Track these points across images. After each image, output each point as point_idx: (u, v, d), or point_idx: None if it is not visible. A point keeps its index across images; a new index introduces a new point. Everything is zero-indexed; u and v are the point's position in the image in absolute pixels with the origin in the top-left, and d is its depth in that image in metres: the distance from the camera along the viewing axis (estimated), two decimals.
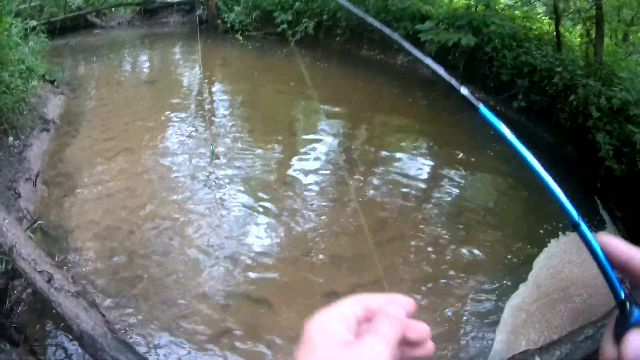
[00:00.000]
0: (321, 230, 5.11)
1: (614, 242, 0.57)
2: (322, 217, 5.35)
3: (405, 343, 0.55)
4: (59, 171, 5.78)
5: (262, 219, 5.18)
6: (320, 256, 4.70)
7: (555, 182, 0.65)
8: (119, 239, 4.62)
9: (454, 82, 0.71)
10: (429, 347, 0.57)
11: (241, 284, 4.34)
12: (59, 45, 11.48)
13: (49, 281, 3.79)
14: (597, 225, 5.95)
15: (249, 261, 4.54)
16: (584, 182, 6.82)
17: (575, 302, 4.53)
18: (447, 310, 4.29)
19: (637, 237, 5.59)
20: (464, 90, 0.71)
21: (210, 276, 4.37)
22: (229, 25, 13.13)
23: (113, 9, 14.61)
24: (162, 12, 15.10)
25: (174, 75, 9.75)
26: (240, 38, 12.55)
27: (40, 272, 3.84)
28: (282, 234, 5.05)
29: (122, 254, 4.49)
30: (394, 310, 0.56)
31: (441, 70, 0.74)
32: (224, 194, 5.56)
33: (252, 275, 4.43)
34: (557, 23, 8.76)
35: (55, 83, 8.49)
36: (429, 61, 0.74)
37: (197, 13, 13.83)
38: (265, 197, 5.57)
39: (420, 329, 0.56)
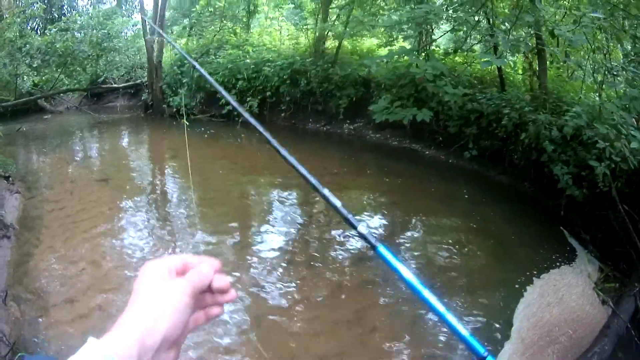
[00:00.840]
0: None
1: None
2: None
3: (213, 291, 0.71)
4: (26, 287, 5.42)
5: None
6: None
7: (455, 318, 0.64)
8: None
9: (351, 218, 0.77)
10: (232, 294, 0.74)
11: None
12: (11, 132, 11.30)
13: None
14: (568, 254, 5.80)
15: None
16: (546, 215, 6.77)
17: (561, 341, 4.30)
18: None
19: (611, 253, 5.56)
20: (362, 229, 0.73)
21: None
22: (174, 109, 13.09)
23: (61, 94, 14.68)
24: (108, 96, 15.31)
25: (125, 171, 9.50)
26: (187, 122, 12.34)
27: None
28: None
29: None
30: (204, 268, 0.71)
31: (338, 203, 0.81)
32: None
33: None
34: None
35: (10, 179, 8.17)
36: (325, 192, 0.84)
37: (143, 98, 14.15)
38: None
39: (223, 280, 0.72)
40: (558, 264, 5.64)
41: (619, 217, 5.43)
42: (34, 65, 12.88)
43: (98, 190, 8.08)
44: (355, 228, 0.72)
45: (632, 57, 6.99)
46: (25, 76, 13.49)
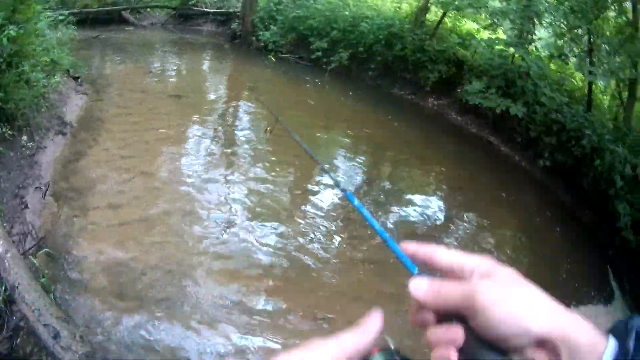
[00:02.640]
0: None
1: (413, 245, 0.65)
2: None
3: None
4: (71, 185, 5.29)
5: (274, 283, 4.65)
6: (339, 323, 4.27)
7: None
8: (130, 280, 4.19)
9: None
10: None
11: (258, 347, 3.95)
12: (88, 38, 11.29)
13: (55, 337, 3.32)
14: (606, 296, 5.93)
15: (266, 319, 4.12)
16: (597, 249, 6.83)
17: None
18: None
19: None
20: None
21: (224, 331, 3.97)
22: (262, 44, 13.12)
23: (148, 9, 14.58)
24: (197, 19, 15.03)
25: (201, 92, 9.45)
26: (273, 59, 12.51)
27: (45, 325, 3.36)
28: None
29: (132, 300, 4.04)
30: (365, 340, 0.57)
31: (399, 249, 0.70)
32: (241, 235, 5.13)
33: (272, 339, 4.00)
34: (591, 81, 8.71)
35: (79, 80, 8.11)
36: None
37: (232, 27, 14.00)
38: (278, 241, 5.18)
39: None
40: (595, 301, 5.77)
41: None
42: None
43: (169, 105, 8.03)
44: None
45: None
46: None
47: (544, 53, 10.13)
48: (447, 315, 0.57)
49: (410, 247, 0.64)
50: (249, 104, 9.30)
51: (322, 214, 5.84)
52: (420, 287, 0.59)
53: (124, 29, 13.20)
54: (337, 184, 1.03)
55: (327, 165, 6.41)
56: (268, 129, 6.90)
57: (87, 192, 5.23)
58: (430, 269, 0.62)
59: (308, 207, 5.94)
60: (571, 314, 0.55)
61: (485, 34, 11.30)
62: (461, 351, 0.55)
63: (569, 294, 5.66)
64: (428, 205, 6.91)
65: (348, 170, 7.31)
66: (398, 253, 0.65)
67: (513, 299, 0.55)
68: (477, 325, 0.54)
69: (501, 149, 9.66)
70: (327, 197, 6.22)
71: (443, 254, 0.61)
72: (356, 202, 0.84)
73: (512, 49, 9.70)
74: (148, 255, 4.48)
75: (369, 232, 5.35)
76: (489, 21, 10.74)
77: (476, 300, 0.54)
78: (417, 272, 0.62)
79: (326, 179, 6.53)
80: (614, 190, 6.91)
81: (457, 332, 0.55)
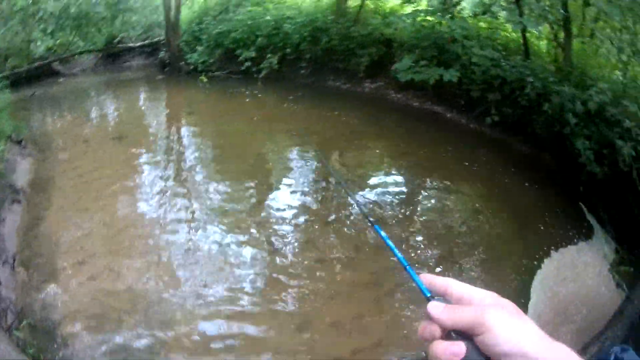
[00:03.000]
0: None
1: (430, 276, 0.76)
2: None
3: None
4: (36, 251, 5.35)
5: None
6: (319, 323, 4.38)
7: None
8: (110, 329, 4.27)
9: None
10: None
11: None
12: (25, 97, 11.18)
13: None
14: (585, 231, 5.93)
15: (243, 343, 4.16)
16: (565, 189, 6.84)
17: (576, 321, 4.53)
18: None
19: (627, 237, 5.69)
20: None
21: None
22: (192, 66, 12.95)
23: (75, 56, 14.43)
24: (124, 56, 14.96)
25: (141, 128, 9.46)
26: (205, 79, 12.33)
27: None
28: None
29: (117, 350, 4.11)
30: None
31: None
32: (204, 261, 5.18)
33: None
34: (524, 29, 8.72)
35: (23, 143, 8.05)
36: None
37: (160, 56, 13.89)
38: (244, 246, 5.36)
39: None
40: (575, 240, 5.77)
41: (638, 200, 5.50)
42: (48, 31, 12.69)
43: (112, 149, 8.00)
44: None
45: None
46: (39, 41, 13.26)
47: (470, 13, 10.18)
48: (451, 332, 0.68)
49: (428, 277, 0.76)
50: (191, 129, 9.37)
51: (285, 223, 5.88)
52: (437, 308, 0.70)
53: (56, 81, 13.08)
54: (365, 216, 1.10)
55: (282, 168, 6.28)
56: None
57: (53, 255, 5.24)
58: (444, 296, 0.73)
59: (271, 218, 6.00)
60: (561, 344, 0.64)
61: (408, 8, 11.27)
62: None
63: (549, 239, 5.72)
64: (390, 183, 7.01)
65: (302, 171, 7.27)
66: (416, 280, 0.76)
67: (515, 325, 0.65)
68: (482, 342, 0.65)
69: (447, 116, 9.71)
70: (284, 200, 6.37)
71: (456, 285, 0.73)
72: (383, 233, 0.92)
73: (433, 18, 9.69)
74: (121, 301, 4.53)
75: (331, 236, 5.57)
76: None
77: (485, 320, 0.64)
78: (429, 296, 0.74)
79: (283, 190, 6.66)
80: (569, 129, 6.87)
81: (460, 347, 0.66)
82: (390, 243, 0.89)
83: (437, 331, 0.70)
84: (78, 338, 4.13)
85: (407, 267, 0.82)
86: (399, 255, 0.85)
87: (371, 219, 1.00)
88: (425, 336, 0.71)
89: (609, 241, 5.74)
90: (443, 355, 0.66)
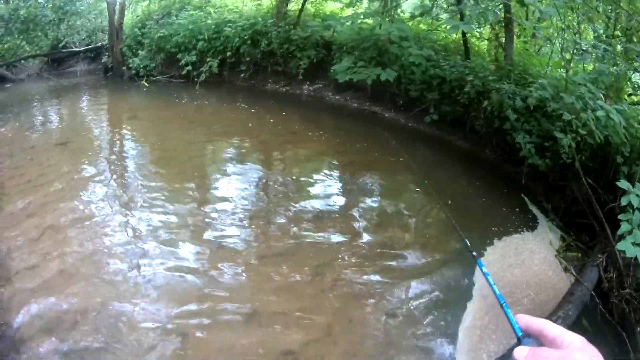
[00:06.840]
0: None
1: (526, 317, 0.83)
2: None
3: None
4: None
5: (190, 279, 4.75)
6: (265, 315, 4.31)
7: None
8: (66, 330, 4.18)
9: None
10: None
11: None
12: None
13: None
14: (529, 222, 5.96)
15: (199, 334, 4.10)
16: (507, 182, 6.94)
17: (524, 303, 4.49)
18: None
19: (571, 226, 5.78)
20: None
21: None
22: (134, 71, 12.73)
23: (22, 61, 14.10)
24: (69, 60, 14.80)
25: (86, 133, 9.29)
26: (146, 84, 12.17)
27: None
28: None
29: (73, 351, 3.99)
30: None
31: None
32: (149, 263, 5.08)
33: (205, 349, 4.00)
34: (464, 31, 8.83)
35: None
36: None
37: (103, 61, 13.71)
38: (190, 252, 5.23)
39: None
40: (519, 229, 5.80)
41: (582, 190, 5.62)
42: None
43: (57, 155, 7.91)
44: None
45: (604, 39, 7.12)
46: None
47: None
48: None
49: (525, 319, 0.84)
50: (133, 133, 9.23)
51: (226, 224, 5.79)
52: (522, 352, 0.79)
53: (3, 87, 12.77)
54: (470, 252, 1.16)
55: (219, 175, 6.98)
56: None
57: (5, 260, 5.12)
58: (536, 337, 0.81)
59: (213, 218, 5.93)
60: None
61: (348, 11, 11.38)
62: None
63: (492, 228, 5.76)
64: (327, 180, 6.98)
65: (242, 178, 7.09)
66: (510, 319, 0.85)
67: None
68: None
69: (385, 115, 9.84)
70: (224, 201, 6.28)
71: (552, 327, 0.81)
72: (484, 269, 0.97)
73: (371, 20, 9.72)
74: (74, 304, 4.46)
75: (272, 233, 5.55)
76: None
77: None
78: (520, 336, 0.83)
79: (222, 190, 6.67)
80: (509, 125, 6.95)
81: None
82: (490, 280, 0.96)
83: None
84: (32, 342, 4.03)
85: (504, 304, 0.89)
86: (498, 292, 0.92)
87: (474, 254, 1.08)
88: None
89: (554, 229, 5.77)
90: None
